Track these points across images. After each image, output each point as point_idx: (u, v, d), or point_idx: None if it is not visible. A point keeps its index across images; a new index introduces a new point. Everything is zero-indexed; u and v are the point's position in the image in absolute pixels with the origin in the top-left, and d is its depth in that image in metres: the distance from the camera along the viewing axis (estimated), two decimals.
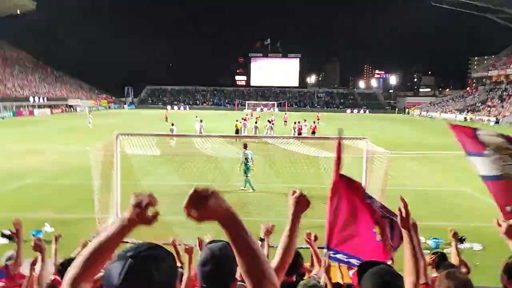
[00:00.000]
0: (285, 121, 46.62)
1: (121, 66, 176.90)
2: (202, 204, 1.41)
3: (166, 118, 50.61)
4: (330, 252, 3.83)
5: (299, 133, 34.43)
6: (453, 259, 4.97)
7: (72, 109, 79.71)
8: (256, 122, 36.75)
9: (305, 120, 36.52)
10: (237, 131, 33.65)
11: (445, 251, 7.00)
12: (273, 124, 36.42)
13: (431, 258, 4.68)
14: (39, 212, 12.60)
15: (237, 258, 1.52)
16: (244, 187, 15.71)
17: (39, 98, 72.78)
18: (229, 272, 1.96)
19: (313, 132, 36.04)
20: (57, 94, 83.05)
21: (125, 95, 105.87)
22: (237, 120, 35.68)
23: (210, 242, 2.15)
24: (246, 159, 15.61)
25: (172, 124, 30.69)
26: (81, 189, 15.13)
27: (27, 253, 8.91)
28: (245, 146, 16.15)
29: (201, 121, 34.07)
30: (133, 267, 1.36)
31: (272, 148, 19.25)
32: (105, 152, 11.79)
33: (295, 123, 35.35)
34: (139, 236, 9.22)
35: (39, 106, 71.75)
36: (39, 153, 23.89)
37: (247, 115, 41.54)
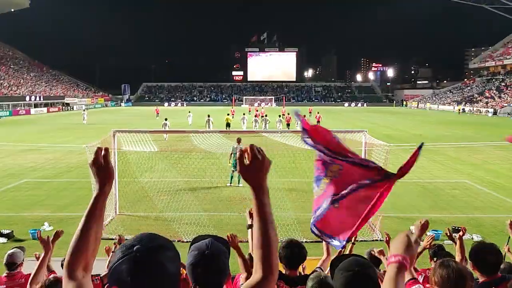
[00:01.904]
0: (283, 115, 47.54)
1: (118, 64, 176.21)
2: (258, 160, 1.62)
3: (157, 113, 51.28)
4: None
5: (288, 124, 37.97)
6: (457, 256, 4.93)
7: (69, 107, 79.44)
8: (255, 116, 38.20)
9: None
10: (227, 125, 34.55)
11: (445, 242, 6.99)
12: (263, 117, 37.73)
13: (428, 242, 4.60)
14: (37, 211, 12.56)
15: (254, 226, 1.61)
16: (231, 183, 15.59)
17: (35, 97, 72.49)
18: (221, 269, 1.90)
19: (318, 121, 38.48)
20: (54, 93, 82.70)
21: (122, 92, 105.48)
22: (228, 114, 36.80)
23: (195, 239, 2.07)
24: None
25: (166, 119, 31.12)
26: (79, 187, 15.10)
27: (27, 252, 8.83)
28: (239, 141, 15.96)
29: (208, 116, 34.75)
30: (143, 259, 1.32)
31: (270, 142, 19.20)
32: None
33: (288, 113, 37.19)
34: (139, 232, 9.11)
35: (36, 105, 71.46)
36: (36, 152, 23.82)
37: (246, 112, 42.45)
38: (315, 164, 3.94)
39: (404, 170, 3.85)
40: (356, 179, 3.81)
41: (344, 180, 3.88)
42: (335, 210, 3.83)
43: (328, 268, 4.03)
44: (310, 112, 49.31)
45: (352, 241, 4.95)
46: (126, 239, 10.56)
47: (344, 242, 3.82)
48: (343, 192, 3.76)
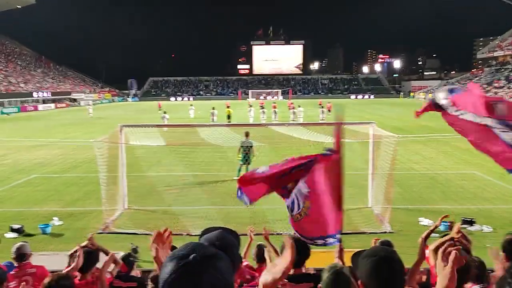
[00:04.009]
0: (289, 106, 49.16)
1: (124, 59, 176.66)
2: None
3: (159, 107, 52.99)
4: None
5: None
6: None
7: (76, 103, 79.89)
8: (262, 107, 39.40)
9: (299, 106, 39.20)
10: (228, 117, 35.52)
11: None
12: (264, 109, 39.23)
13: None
14: (46, 206, 12.65)
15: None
16: (238, 177, 15.38)
17: (43, 93, 72.99)
18: (232, 260, 1.88)
19: (329, 110, 40.69)
20: (61, 89, 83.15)
21: (129, 87, 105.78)
22: (228, 106, 37.62)
23: (206, 231, 2.04)
24: (248, 147, 15.35)
25: (165, 112, 32.08)
26: (88, 182, 15.20)
27: (34, 246, 8.92)
28: (247, 135, 15.88)
29: (213, 108, 35.56)
30: (200, 268, 1.31)
31: (277, 134, 19.17)
32: (110, 145, 11.77)
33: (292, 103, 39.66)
34: (147, 226, 9.21)
35: (44, 101, 71.96)
36: (45, 148, 23.99)
37: (252, 105, 43.27)
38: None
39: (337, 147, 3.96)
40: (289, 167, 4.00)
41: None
42: (308, 215, 3.92)
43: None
44: (320, 104, 49.53)
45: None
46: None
47: (338, 235, 3.85)
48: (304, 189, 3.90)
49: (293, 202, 3.95)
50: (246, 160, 15.25)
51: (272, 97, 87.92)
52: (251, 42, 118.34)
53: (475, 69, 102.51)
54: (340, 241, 3.84)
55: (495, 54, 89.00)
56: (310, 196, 3.86)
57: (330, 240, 3.94)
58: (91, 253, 4.57)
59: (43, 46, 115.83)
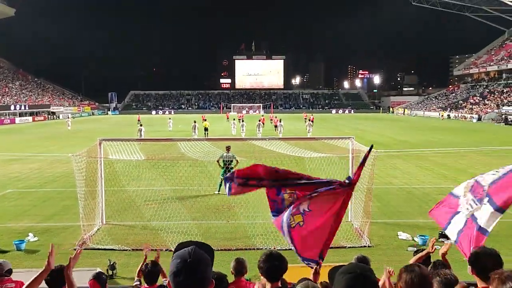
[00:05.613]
0: (271, 120, 50.23)
1: (105, 72, 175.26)
2: None
3: (139, 120, 53.07)
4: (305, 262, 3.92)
5: (275, 126, 42.21)
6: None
7: (54, 116, 78.58)
8: (242, 120, 40.43)
9: (280, 120, 40.02)
10: (205, 129, 36.92)
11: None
12: (243, 122, 40.54)
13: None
14: (22, 221, 12.34)
15: None
16: (219, 191, 15.43)
17: (20, 106, 71.64)
18: (203, 277, 1.88)
19: (312, 121, 41.94)
20: (39, 102, 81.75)
21: (109, 101, 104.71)
22: (204, 119, 38.13)
23: (178, 247, 2.05)
24: (229, 161, 15.36)
25: (141, 125, 32.39)
26: (65, 196, 14.91)
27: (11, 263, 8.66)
28: (228, 149, 15.88)
29: (194, 121, 35.79)
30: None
31: (258, 149, 19.21)
32: (88, 159, 11.61)
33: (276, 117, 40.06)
34: (126, 242, 9.07)
35: (21, 114, 70.61)
36: (21, 161, 23.47)
37: (235, 118, 43.75)
38: (268, 198, 4.17)
39: (356, 178, 4.05)
40: (311, 190, 4.03)
41: (300, 197, 4.09)
42: (299, 229, 3.96)
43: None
44: (305, 118, 50.71)
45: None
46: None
47: (318, 259, 3.91)
48: (303, 207, 3.94)
49: (281, 211, 4.01)
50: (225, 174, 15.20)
51: (254, 111, 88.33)
52: (234, 57, 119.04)
53: (451, 86, 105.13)
54: (318, 264, 3.89)
55: (471, 71, 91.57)
56: (306, 216, 3.91)
57: (309, 263, 3.99)
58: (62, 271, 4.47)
59: (22, 58, 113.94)
